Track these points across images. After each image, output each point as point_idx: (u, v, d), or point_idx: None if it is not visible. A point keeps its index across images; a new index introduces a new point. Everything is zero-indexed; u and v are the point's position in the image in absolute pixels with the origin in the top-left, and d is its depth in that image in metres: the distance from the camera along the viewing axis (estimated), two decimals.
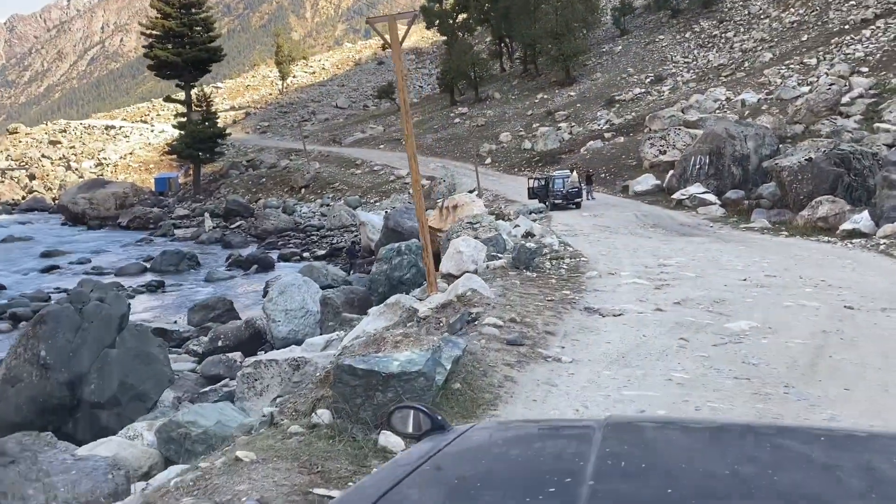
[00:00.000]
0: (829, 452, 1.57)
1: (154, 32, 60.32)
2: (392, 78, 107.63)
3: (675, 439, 1.78)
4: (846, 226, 18.30)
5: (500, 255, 15.41)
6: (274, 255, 33.31)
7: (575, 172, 32.43)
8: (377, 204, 41.73)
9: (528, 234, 19.64)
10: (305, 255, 33.10)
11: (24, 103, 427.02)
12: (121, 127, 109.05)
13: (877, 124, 33.03)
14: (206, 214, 46.06)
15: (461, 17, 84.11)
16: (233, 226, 45.55)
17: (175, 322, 19.66)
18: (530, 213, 28.44)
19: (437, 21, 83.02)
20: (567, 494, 1.39)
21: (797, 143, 33.69)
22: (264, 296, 17.00)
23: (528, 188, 32.93)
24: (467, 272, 10.11)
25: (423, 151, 60.05)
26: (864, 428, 1.91)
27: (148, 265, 31.33)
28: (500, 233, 17.27)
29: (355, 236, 32.89)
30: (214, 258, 34.09)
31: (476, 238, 17.15)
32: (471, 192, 38.47)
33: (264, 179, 58.30)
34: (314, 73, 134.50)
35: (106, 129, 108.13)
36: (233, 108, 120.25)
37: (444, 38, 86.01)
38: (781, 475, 1.44)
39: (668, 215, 25.76)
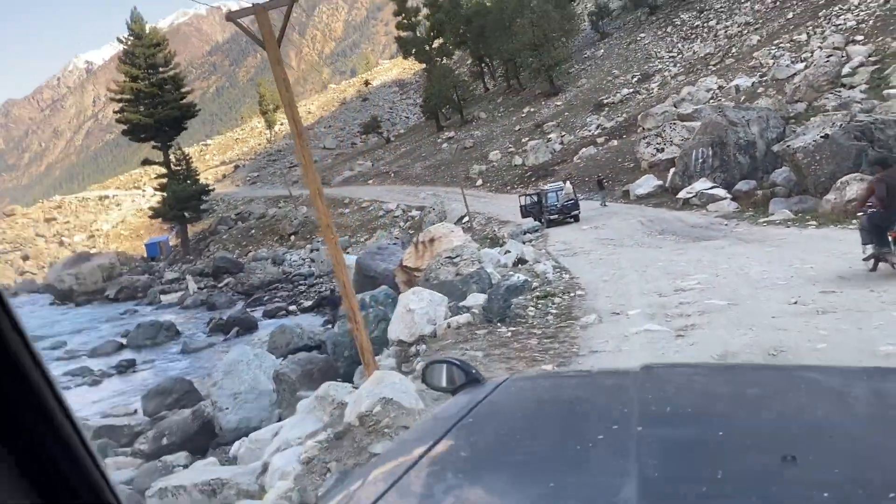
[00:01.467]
0: (855, 385, 1.60)
1: (124, 96, 58.72)
2: (376, 112, 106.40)
3: (710, 382, 1.78)
4: None
5: (482, 292, 12.97)
6: (259, 311, 30.96)
7: (569, 183, 30.05)
8: (367, 242, 39.42)
9: (520, 261, 17.21)
10: (292, 308, 30.74)
11: (26, 185, 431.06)
12: (114, 196, 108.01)
13: (886, 91, 30.71)
14: (189, 277, 43.79)
15: (437, 42, 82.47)
16: (221, 284, 43.30)
17: (135, 412, 17.26)
18: (524, 234, 26.07)
19: (414, 49, 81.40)
20: (617, 441, 1.36)
21: (802, 123, 31.37)
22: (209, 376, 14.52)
23: (521, 207, 30.59)
24: (422, 337, 7.77)
25: (413, 181, 58.13)
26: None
27: (125, 341, 29.02)
28: (485, 265, 14.84)
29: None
30: (196, 324, 31.76)
31: (458, 275, 14.74)
32: (461, 218, 36.20)
33: (253, 231, 56.26)
34: (301, 118, 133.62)
35: (100, 199, 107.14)
36: (223, 164, 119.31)
37: (424, 65, 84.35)
38: (813, 410, 1.48)
39: (677, 218, 23.28)
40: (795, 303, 7.94)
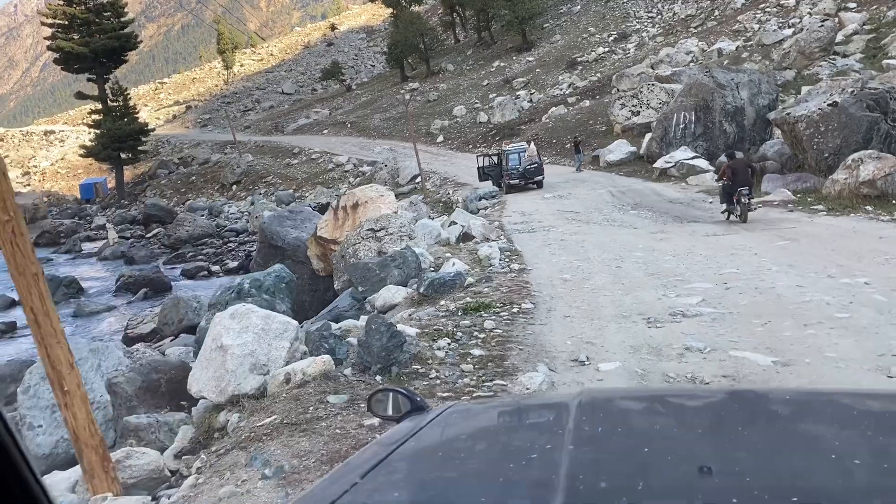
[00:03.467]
0: (797, 412, 1.69)
1: (56, 21, 53.27)
2: (341, 58, 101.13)
3: (643, 406, 1.89)
4: None
5: (403, 281, 9.83)
6: (179, 269, 27.36)
7: (533, 144, 26.75)
8: (311, 198, 35.79)
9: (465, 237, 14.02)
10: (215, 268, 27.16)
11: None
12: (60, 131, 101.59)
13: (886, 61, 28.01)
14: (109, 224, 39.60)
15: None
16: (149, 234, 39.39)
17: None
18: (480, 200, 22.86)
19: None
20: (549, 459, 1.43)
21: (791, 91, 28.65)
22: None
23: (478, 168, 27.26)
24: (239, 397, 4.61)
25: (370, 133, 54.38)
26: (832, 389, 2.28)
27: (18, 297, 25.22)
28: (417, 241, 11.63)
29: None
30: (106, 280, 28.02)
31: (380, 252, 11.50)
32: (414, 177, 32.80)
33: (194, 178, 52.02)
34: (261, 59, 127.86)
35: (45, 134, 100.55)
36: (176, 104, 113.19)
37: (392, 10, 79.50)
38: (733, 427, 1.59)
39: (653, 190, 20.26)
40: (882, 355, 4.78)
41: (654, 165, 23.39)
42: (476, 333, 6.38)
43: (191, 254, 30.70)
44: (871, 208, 13.16)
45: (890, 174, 14.07)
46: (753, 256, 9.30)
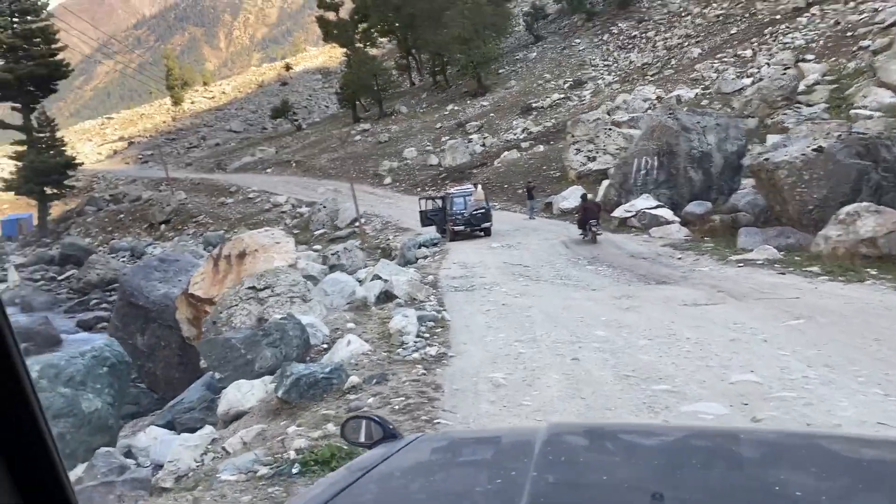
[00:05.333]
0: (758, 451, 1.72)
1: None
2: (294, 98, 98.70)
3: (607, 438, 1.93)
4: None
5: (273, 367, 7.02)
6: (74, 320, 23.94)
7: (480, 188, 24.33)
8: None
9: (387, 296, 11.25)
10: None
11: None
12: None
13: (854, 111, 26.61)
14: (10, 266, 35.69)
15: (362, 27, 75.92)
16: (62, 277, 35.65)
17: None
18: (419, 248, 20.20)
19: (335, 31, 74.68)
20: (512, 484, 1.49)
21: (754, 140, 27.12)
22: None
23: (420, 212, 24.63)
24: None
25: (315, 173, 51.71)
26: (798, 429, 2.35)
27: None
28: (313, 307, 8.86)
29: None
30: None
31: (261, 319, 8.66)
32: (353, 220, 30.10)
33: (122, 216, 48.32)
34: (213, 97, 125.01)
35: None
36: (121, 139, 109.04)
37: (345, 50, 77.62)
38: (689, 459, 1.64)
39: (612, 242, 17.87)
40: None
41: (613, 214, 21.11)
42: None
43: (95, 301, 27.22)
44: (874, 271, 10.85)
45: (893, 231, 11.84)
46: (764, 345, 6.68)
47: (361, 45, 75.19)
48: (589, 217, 18.59)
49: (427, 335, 7.85)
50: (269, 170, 56.40)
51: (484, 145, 47.25)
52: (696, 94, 40.40)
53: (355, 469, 1.77)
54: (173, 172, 60.41)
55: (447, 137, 51.73)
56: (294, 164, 56.17)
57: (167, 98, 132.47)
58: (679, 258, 14.62)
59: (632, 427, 2.65)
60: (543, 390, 5.71)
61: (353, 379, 5.93)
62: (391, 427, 2.18)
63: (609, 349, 6.92)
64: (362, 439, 2.23)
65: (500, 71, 68.01)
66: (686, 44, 57.16)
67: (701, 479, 1.48)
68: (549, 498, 1.38)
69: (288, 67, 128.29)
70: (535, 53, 72.44)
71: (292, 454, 4.36)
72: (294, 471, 4.09)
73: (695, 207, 19.50)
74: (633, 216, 20.22)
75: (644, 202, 20.33)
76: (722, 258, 13.65)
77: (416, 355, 6.92)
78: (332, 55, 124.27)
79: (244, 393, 5.98)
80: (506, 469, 1.60)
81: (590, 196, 21.73)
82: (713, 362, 6.29)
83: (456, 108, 62.93)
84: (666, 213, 19.77)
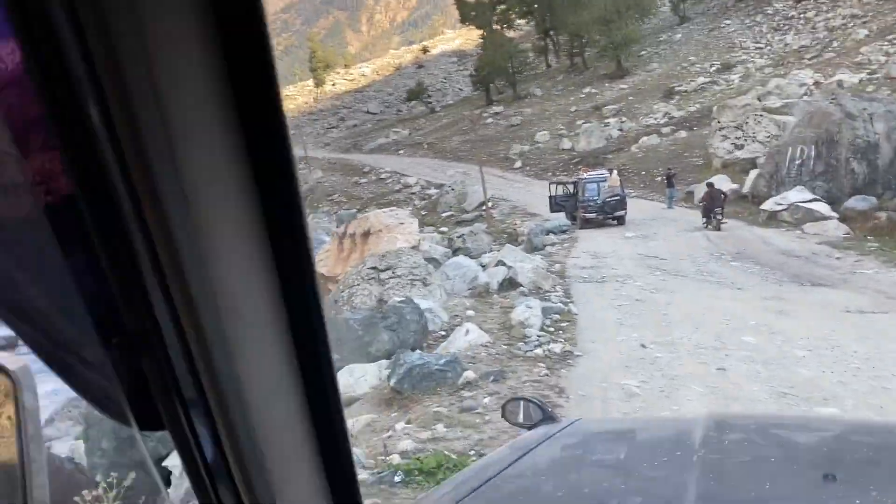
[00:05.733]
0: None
1: None
2: (430, 80, 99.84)
3: (774, 428, 1.88)
4: None
5: (387, 353, 6.72)
6: None
7: (615, 173, 23.25)
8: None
9: (510, 283, 10.76)
10: None
11: None
12: None
13: None
14: None
15: (500, 8, 75.30)
16: None
17: None
18: (546, 234, 19.55)
19: (473, 13, 74.47)
20: (678, 466, 1.48)
21: None
22: None
23: (550, 197, 23.86)
24: None
25: (446, 156, 52.01)
26: None
27: None
28: (433, 291, 8.54)
29: None
30: None
31: (380, 300, 8.42)
32: (481, 204, 29.78)
33: None
34: (353, 79, 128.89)
35: None
36: None
37: (482, 31, 77.32)
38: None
39: (760, 237, 16.47)
40: None
41: (762, 207, 19.50)
42: None
43: None
44: None
45: None
46: None
47: (498, 27, 74.67)
48: (714, 205, 18.55)
49: (552, 329, 7.30)
50: (401, 151, 57.36)
51: (621, 130, 45.59)
52: (861, 79, 36.93)
53: (517, 448, 1.84)
54: (312, 152, 62.77)
55: (582, 121, 50.38)
56: (426, 146, 56.82)
57: (310, 80, 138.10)
58: (838, 258, 13.17)
59: (793, 418, 2.56)
60: (684, 404, 5.02)
61: (469, 374, 5.50)
62: (550, 409, 2.25)
63: (760, 359, 6.08)
64: (521, 420, 2.28)
65: (642, 53, 65.50)
66: (851, 24, 52.63)
67: (869, 466, 1.45)
68: (721, 479, 1.39)
69: (425, 50, 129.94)
70: (679, 35, 69.28)
71: (396, 458, 3.99)
72: (396, 479, 3.72)
73: (857, 203, 17.62)
74: (784, 209, 18.57)
75: (797, 195, 18.61)
76: (890, 260, 12.13)
77: (538, 351, 6.41)
78: (468, 38, 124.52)
79: (357, 378, 5.72)
80: (670, 453, 1.60)
81: (714, 183, 21.24)
82: (891, 384, 5.32)
83: (593, 90, 61.21)
84: (822, 207, 18.00)
